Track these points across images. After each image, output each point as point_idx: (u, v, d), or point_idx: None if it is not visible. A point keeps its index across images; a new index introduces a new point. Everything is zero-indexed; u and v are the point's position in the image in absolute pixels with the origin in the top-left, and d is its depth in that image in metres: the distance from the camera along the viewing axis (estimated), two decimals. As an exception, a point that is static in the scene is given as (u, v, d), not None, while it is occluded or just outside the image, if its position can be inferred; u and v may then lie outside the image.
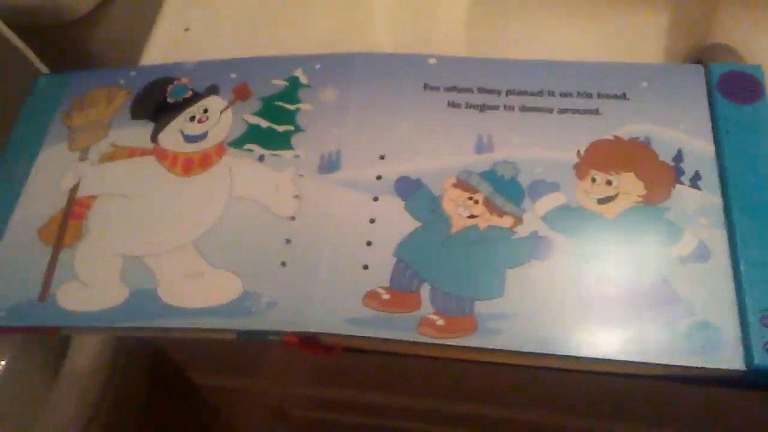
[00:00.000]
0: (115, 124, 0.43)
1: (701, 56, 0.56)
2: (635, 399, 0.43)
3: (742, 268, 0.33)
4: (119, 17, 0.71)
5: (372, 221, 0.36)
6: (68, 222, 0.39)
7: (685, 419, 0.47)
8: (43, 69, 0.70)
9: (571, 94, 0.39)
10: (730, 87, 0.38)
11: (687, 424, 0.47)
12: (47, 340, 0.71)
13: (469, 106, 0.39)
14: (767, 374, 0.31)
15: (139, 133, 0.42)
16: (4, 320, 0.37)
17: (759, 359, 0.30)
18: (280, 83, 0.42)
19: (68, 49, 0.71)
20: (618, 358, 0.31)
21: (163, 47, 0.48)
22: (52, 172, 0.42)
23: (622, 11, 0.56)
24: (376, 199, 0.37)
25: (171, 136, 0.41)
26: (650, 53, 0.56)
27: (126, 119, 0.43)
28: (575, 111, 0.38)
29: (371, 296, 0.34)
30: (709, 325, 0.32)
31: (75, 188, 0.41)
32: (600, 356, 0.31)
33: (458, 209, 0.36)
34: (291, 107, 0.41)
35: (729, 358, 0.31)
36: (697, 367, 0.31)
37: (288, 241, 0.36)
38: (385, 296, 0.34)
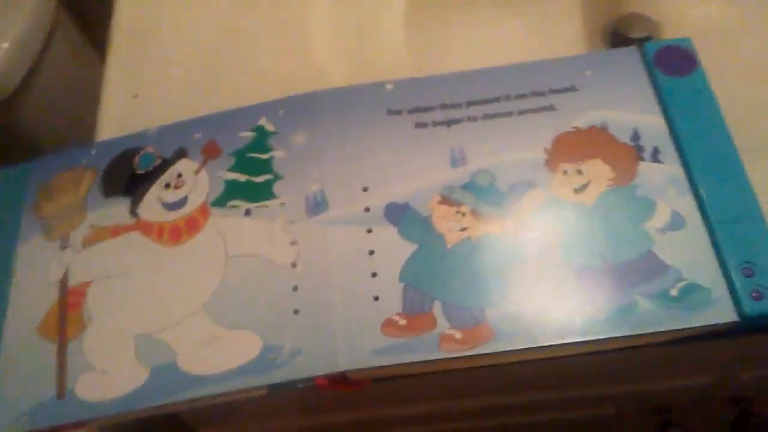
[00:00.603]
0: (90, 205, 0.42)
1: (618, 26, 0.60)
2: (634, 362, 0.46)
3: (715, 227, 0.36)
4: (45, 93, 0.70)
5: (371, 253, 0.37)
6: (67, 314, 0.39)
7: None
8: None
9: (525, 95, 0.41)
10: (666, 62, 0.41)
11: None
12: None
13: (435, 123, 0.41)
14: (759, 320, 0.34)
15: (116, 210, 0.42)
16: (28, 424, 0.36)
17: (749, 308, 0.34)
18: (248, 135, 0.42)
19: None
20: (629, 334, 0.34)
21: (116, 118, 0.48)
22: (35, 267, 0.41)
23: (539, -2, 0.59)
24: (369, 230, 0.38)
25: (151, 208, 0.41)
26: (569, 29, 0.59)
27: (99, 199, 0.42)
28: (533, 110, 0.41)
29: (388, 324, 0.35)
30: (699, 286, 0.35)
31: (65, 278, 0.40)
32: (612, 335, 0.34)
33: (449, 225, 0.38)
34: (264, 156, 0.41)
35: (723, 312, 0.34)
36: (696, 327, 0.34)
37: (295, 288, 0.37)
38: (402, 322, 0.35)
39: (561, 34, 0.60)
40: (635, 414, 0.58)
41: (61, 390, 0.37)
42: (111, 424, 0.37)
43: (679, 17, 0.58)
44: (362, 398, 0.49)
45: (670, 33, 0.55)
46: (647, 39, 0.56)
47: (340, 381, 0.35)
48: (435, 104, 0.42)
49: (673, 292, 0.35)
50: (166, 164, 0.43)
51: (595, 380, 0.50)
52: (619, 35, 0.59)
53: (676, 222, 0.36)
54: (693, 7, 0.58)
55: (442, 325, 0.35)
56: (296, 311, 0.36)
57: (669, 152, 0.38)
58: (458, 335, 0.35)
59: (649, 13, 0.59)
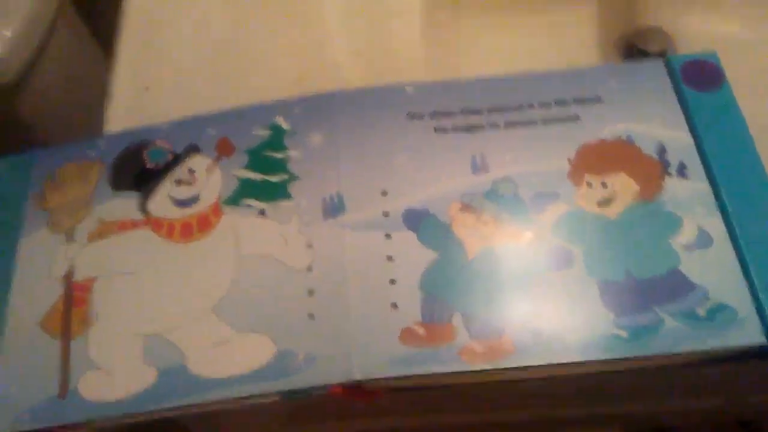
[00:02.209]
0: (97, 199, 0.41)
1: (634, 39, 0.60)
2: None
3: (743, 247, 0.35)
4: (48, 81, 0.68)
5: (390, 258, 0.36)
6: (72, 310, 0.38)
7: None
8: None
9: (549, 104, 0.41)
10: (693, 76, 0.41)
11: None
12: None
13: (455, 129, 0.40)
14: (786, 343, 0.33)
15: (125, 205, 0.40)
16: (28, 423, 0.35)
17: (778, 330, 0.33)
18: (263, 133, 0.41)
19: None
20: (656, 353, 0.33)
21: (125, 110, 0.47)
22: (39, 260, 0.40)
23: (554, 6, 0.58)
24: (388, 236, 0.37)
25: (161, 204, 0.40)
26: (586, 39, 0.59)
27: (107, 192, 0.41)
28: (557, 120, 0.40)
29: (407, 333, 0.34)
30: (726, 306, 0.34)
31: (70, 273, 0.39)
32: (638, 354, 0.33)
33: (469, 233, 0.37)
34: (280, 156, 0.40)
35: (750, 334, 0.33)
36: (724, 348, 0.33)
37: (311, 293, 0.36)
38: (421, 331, 0.34)
39: (576, 43, 0.59)
40: (639, 432, 0.57)
41: (64, 389, 0.36)
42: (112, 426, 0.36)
43: (696, 34, 0.58)
44: (371, 408, 0.48)
45: (686, 49, 0.55)
46: (663, 53, 0.55)
47: (356, 390, 0.34)
48: (456, 109, 0.41)
49: (701, 312, 0.34)
50: (177, 160, 0.41)
51: (605, 398, 0.49)
52: (635, 48, 0.58)
53: (703, 240, 0.36)
54: (710, 24, 0.58)
55: (463, 336, 0.34)
56: (311, 316, 0.35)
57: (696, 168, 0.38)
58: (479, 348, 0.34)
59: (666, 28, 0.59)
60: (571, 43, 0.60)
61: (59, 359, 0.36)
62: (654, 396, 0.49)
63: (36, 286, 0.39)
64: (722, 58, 0.42)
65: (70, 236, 0.40)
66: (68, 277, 0.39)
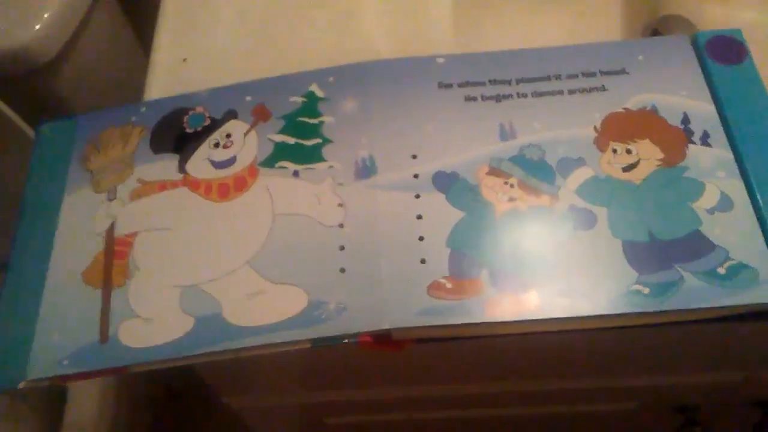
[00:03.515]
0: (138, 160, 0.43)
1: (658, 27, 0.61)
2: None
3: (764, 210, 0.36)
4: (85, 59, 0.71)
5: (419, 217, 0.38)
6: (113, 262, 0.39)
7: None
8: (14, 118, 0.69)
9: (576, 75, 0.42)
10: (717, 51, 0.42)
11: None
12: (42, 392, 0.70)
13: (484, 98, 0.41)
14: (806, 302, 0.34)
15: (164, 166, 0.42)
16: (67, 368, 0.37)
17: (798, 289, 0.34)
18: (298, 100, 0.43)
19: (36, 96, 0.70)
20: (676, 308, 0.34)
21: (164, 80, 0.49)
22: (82, 216, 0.42)
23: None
24: (418, 196, 0.38)
25: (199, 165, 0.42)
26: (611, 28, 0.60)
27: (148, 154, 0.43)
28: (583, 90, 0.41)
29: (435, 287, 0.35)
30: (746, 266, 0.35)
31: (111, 228, 0.41)
32: (659, 309, 0.34)
33: (497, 195, 0.38)
34: (314, 121, 0.42)
35: (769, 292, 0.34)
36: (743, 305, 0.34)
37: (342, 248, 0.37)
38: (449, 285, 0.35)
39: (601, 28, 0.60)
40: (656, 412, 0.58)
41: (104, 335, 0.37)
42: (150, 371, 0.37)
43: (718, 22, 0.59)
44: (393, 372, 0.49)
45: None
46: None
47: (384, 340, 0.35)
48: (485, 79, 0.42)
49: (721, 271, 0.35)
50: (215, 124, 0.43)
51: (623, 370, 0.50)
52: (657, 35, 0.59)
53: (725, 204, 0.37)
54: (735, 12, 0.59)
55: (490, 290, 0.35)
56: (342, 270, 0.37)
57: (719, 136, 0.39)
58: (505, 301, 0.35)
59: (690, 17, 0.60)
60: (597, 27, 0.61)
61: (100, 308, 0.38)
62: (672, 368, 0.50)
63: (78, 241, 0.41)
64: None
65: (112, 195, 0.42)
66: (110, 232, 0.41)
